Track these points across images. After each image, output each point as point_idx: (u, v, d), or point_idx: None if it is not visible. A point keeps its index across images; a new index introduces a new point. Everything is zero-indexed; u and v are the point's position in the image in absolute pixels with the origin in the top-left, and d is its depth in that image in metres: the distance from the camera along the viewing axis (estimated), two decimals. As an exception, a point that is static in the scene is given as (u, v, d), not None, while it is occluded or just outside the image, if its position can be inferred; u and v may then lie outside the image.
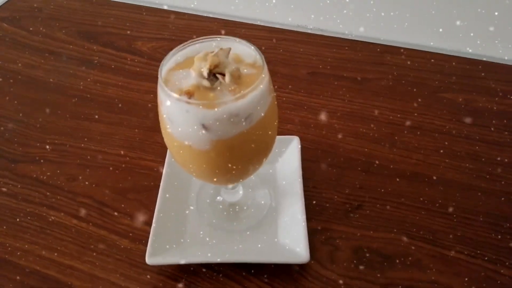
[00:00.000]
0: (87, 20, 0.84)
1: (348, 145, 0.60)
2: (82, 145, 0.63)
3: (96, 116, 0.66)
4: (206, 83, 0.36)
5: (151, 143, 0.62)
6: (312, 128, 0.63)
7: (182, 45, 0.40)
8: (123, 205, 0.56)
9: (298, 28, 0.80)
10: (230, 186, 0.50)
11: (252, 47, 0.40)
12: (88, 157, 0.61)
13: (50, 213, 0.55)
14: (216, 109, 0.35)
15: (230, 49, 0.38)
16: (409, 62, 0.71)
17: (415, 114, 0.64)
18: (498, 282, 0.47)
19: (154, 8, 0.86)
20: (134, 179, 0.58)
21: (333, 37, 0.77)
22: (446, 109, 0.64)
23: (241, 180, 0.46)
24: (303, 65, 0.72)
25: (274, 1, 0.81)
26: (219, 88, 0.36)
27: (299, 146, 0.57)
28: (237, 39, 0.40)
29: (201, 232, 0.50)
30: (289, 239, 0.49)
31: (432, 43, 0.73)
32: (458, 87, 0.67)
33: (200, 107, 0.35)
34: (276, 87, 0.69)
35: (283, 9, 0.81)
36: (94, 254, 0.51)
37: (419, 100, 0.66)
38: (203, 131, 0.36)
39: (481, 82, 0.67)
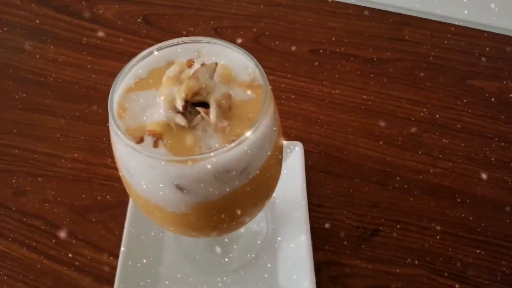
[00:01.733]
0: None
1: (361, 149, 0.50)
2: (32, 146, 0.50)
3: (48, 106, 0.53)
4: (181, 120, 0.24)
5: (118, 144, 0.50)
6: (316, 126, 0.51)
7: (144, 52, 0.27)
8: (82, 229, 0.45)
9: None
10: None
11: (248, 56, 0.27)
12: (39, 163, 0.49)
13: (-8, 239, 0.44)
14: (196, 165, 0.23)
15: (216, 65, 0.25)
16: (433, 39, 0.59)
17: (440, 108, 0.52)
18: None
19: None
20: (96, 194, 0.47)
21: (341, 2, 0.63)
22: (476, 101, 0.53)
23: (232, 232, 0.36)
24: (304, 40, 0.59)
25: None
26: (200, 126, 0.25)
27: (303, 155, 0.46)
28: (225, 42, 0.28)
29: (180, 274, 0.40)
30: (291, 280, 0.39)
31: (462, 15, 0.60)
32: (491, 72, 0.55)
33: (173, 162, 0.23)
34: (270, 68, 0.56)
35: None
36: (48, 296, 0.41)
37: (444, 88, 0.54)
38: (177, 193, 0.24)
39: (521, 67, 0.55)
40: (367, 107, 0.53)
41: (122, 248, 0.40)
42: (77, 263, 0.43)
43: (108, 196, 0.47)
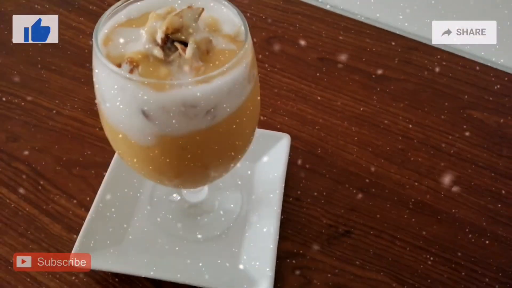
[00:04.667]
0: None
1: (349, 155, 0.50)
2: (33, 99, 0.52)
3: (58, 67, 0.56)
4: (158, 52, 0.26)
5: (116, 111, 0.52)
6: (309, 126, 0.52)
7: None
8: (64, 181, 0.46)
9: (316, 3, 0.68)
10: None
11: (237, 13, 0.28)
12: (37, 115, 0.51)
13: (-24, 175, 0.46)
14: (164, 93, 0.24)
15: (202, 9, 0.27)
16: (440, 66, 0.59)
17: (436, 131, 0.53)
18: None
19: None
20: (85, 152, 0.48)
21: (356, 20, 0.65)
22: (473, 131, 0.53)
23: (197, 187, 0.36)
24: (314, 48, 0.61)
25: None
26: (177, 62, 0.26)
27: (288, 147, 0.46)
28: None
29: (148, 236, 0.40)
30: (253, 263, 0.39)
31: (470, 49, 0.61)
32: (493, 106, 0.55)
33: (141, 85, 0.24)
34: (276, 68, 0.58)
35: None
36: (17, 236, 0.42)
37: (443, 113, 0.54)
38: (143, 120, 0.25)
39: (523, 106, 0.56)
40: (363, 118, 0.53)
41: (94, 201, 0.41)
42: (51, 211, 0.44)
43: (95, 156, 0.48)
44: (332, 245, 0.43)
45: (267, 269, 0.38)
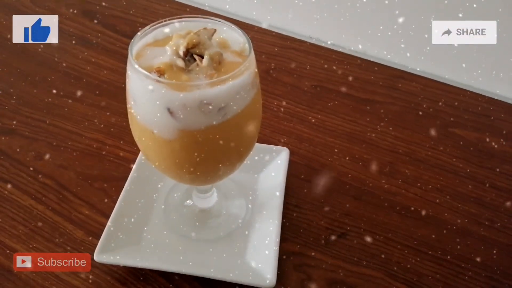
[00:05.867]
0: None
1: (342, 167, 0.55)
2: (58, 123, 0.58)
3: (80, 96, 0.62)
4: (180, 62, 0.32)
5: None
6: (305, 143, 0.58)
7: (164, 20, 0.36)
8: (86, 193, 0.51)
9: (310, 40, 0.75)
10: (202, 189, 0.45)
11: (242, 34, 0.35)
12: (62, 137, 0.57)
13: (7, 187, 0.51)
14: (185, 93, 0.30)
15: (215, 30, 0.33)
16: (423, 91, 0.66)
17: (421, 146, 0.58)
18: None
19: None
20: (105, 168, 0.53)
21: (348, 54, 0.72)
22: (455, 145, 0.59)
23: (209, 183, 0.41)
24: (309, 77, 0.68)
25: (289, 10, 0.77)
26: (195, 71, 0.32)
27: (287, 159, 0.52)
28: (228, 24, 0.36)
29: (162, 236, 0.44)
30: (257, 258, 0.43)
31: (449, 76, 0.68)
32: (472, 124, 0.61)
33: (167, 87, 0.30)
34: (275, 95, 0.64)
35: (297, 19, 0.77)
36: (43, 241, 0.46)
37: (428, 131, 0.60)
38: (168, 117, 0.31)
39: (499, 124, 0.61)
40: (354, 136, 0.59)
41: (115, 208, 0.46)
42: (74, 218, 0.48)
43: (114, 171, 0.53)
44: (329, 245, 0.47)
45: (271, 265, 0.42)
